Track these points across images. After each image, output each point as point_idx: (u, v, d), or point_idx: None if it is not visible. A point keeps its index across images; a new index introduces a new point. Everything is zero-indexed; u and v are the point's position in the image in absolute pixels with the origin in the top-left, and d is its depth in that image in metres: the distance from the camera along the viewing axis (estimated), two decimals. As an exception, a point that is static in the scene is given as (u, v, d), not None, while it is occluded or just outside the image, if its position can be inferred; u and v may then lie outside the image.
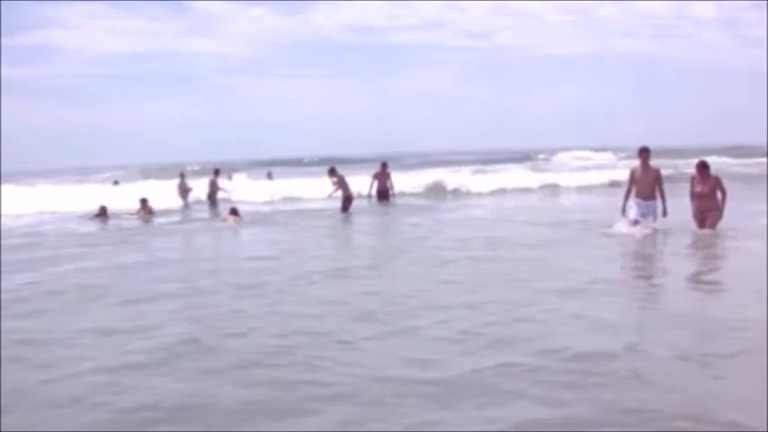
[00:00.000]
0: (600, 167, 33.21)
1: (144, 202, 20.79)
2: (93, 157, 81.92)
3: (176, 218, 20.01)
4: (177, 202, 23.73)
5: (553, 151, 56.33)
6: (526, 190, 25.75)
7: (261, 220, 18.29)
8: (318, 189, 24.01)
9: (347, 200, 19.71)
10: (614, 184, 21.97)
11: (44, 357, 5.74)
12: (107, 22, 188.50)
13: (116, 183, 28.75)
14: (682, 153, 33.86)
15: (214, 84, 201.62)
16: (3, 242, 14.24)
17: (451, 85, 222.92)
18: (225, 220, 18.08)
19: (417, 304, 7.18)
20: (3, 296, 8.32)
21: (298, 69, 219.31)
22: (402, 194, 23.65)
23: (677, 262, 9.84)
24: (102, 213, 20.30)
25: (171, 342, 5.95)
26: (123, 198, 23.07)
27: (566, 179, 27.84)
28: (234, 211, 18.24)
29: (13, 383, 5.06)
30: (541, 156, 53.67)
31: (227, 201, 23.04)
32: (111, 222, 19.30)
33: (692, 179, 12.23)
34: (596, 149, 52.11)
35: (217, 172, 25.34)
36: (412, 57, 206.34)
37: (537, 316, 6.52)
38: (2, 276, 9.76)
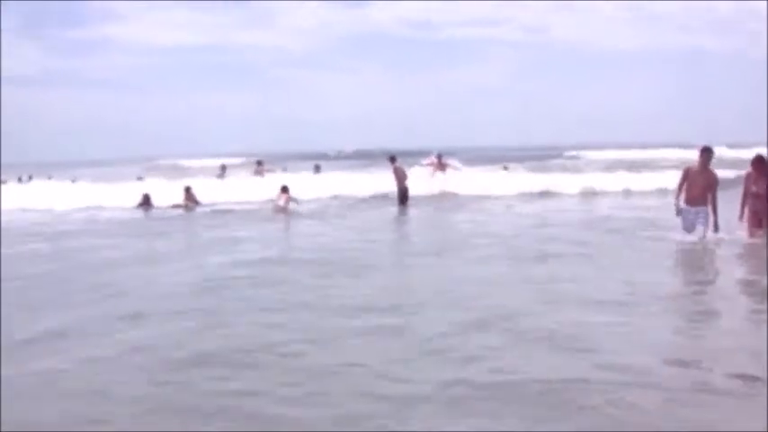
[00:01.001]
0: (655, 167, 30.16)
1: (188, 190, 19.90)
2: (149, 148, 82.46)
3: (223, 207, 18.98)
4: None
5: (603, 146, 54.29)
6: (582, 192, 22.74)
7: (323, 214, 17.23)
8: (367, 182, 22.59)
9: (401, 191, 18.51)
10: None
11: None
12: (165, 14, 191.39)
13: (140, 178, 27.47)
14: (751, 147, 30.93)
15: (270, 76, 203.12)
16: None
17: (507, 81, 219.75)
18: (277, 200, 17.32)
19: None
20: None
21: (354, 63, 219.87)
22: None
23: None
24: (146, 202, 19.66)
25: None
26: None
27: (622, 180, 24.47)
28: (285, 189, 17.57)
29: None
30: (591, 152, 51.67)
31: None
32: (155, 212, 18.61)
33: (747, 176, 10.64)
34: (664, 146, 49.43)
35: (260, 163, 24.60)
36: (468, 52, 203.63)
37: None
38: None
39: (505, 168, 27.12)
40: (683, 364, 4.98)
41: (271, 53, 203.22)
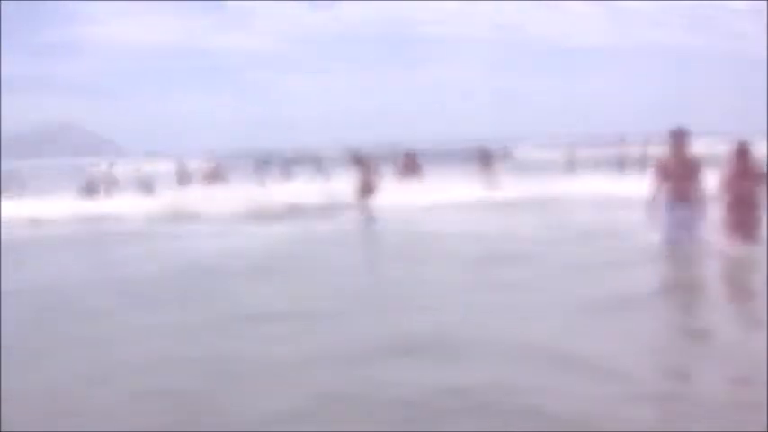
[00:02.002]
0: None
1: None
2: (121, 152, 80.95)
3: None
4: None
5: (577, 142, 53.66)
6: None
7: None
8: (337, 185, 21.32)
9: (366, 184, 17.52)
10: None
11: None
12: (137, 18, 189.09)
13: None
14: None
15: (244, 79, 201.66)
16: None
17: (481, 77, 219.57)
18: None
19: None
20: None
21: (328, 63, 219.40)
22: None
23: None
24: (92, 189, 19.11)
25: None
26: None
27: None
28: None
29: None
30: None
31: None
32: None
33: (727, 168, 8.91)
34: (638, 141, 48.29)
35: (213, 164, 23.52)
36: (441, 49, 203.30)
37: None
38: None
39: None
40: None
41: (245, 55, 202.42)
